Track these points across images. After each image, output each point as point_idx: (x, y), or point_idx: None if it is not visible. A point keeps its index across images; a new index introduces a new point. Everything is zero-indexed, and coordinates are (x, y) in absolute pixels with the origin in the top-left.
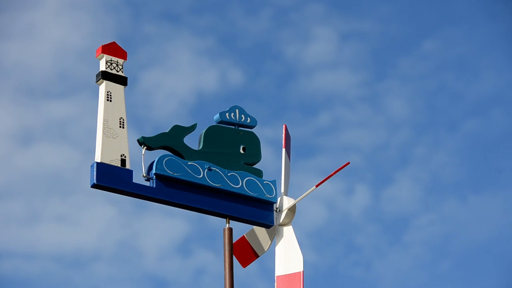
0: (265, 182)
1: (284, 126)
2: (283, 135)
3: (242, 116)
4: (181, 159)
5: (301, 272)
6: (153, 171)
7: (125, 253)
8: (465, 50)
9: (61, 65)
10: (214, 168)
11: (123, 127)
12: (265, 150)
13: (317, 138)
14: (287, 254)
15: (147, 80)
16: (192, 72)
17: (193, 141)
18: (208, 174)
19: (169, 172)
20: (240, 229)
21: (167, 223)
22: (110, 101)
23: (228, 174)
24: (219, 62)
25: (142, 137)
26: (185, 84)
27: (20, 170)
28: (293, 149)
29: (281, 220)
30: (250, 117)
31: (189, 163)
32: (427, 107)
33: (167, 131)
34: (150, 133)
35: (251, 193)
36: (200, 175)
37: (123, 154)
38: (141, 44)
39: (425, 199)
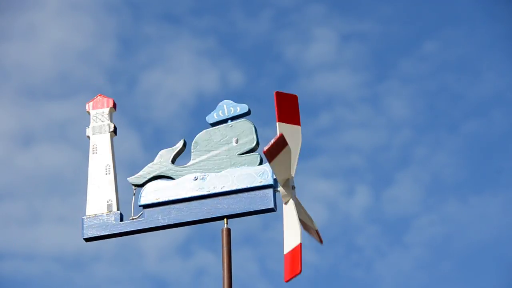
0: (259, 167)
1: (274, 93)
2: (275, 104)
3: (231, 108)
4: (167, 181)
5: (299, 245)
6: (138, 203)
7: (126, 254)
8: (465, 51)
9: (62, 66)
10: (203, 176)
11: (109, 173)
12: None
13: (318, 139)
14: (290, 231)
15: (148, 81)
16: (192, 73)
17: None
18: (196, 184)
19: (153, 200)
20: (240, 229)
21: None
22: (96, 153)
23: (218, 175)
24: (219, 63)
25: (129, 180)
26: (185, 85)
27: (20, 170)
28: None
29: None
30: (240, 105)
31: (175, 182)
32: (427, 107)
33: (153, 161)
34: (150, 133)
35: (242, 186)
36: (185, 190)
37: (110, 199)
38: (141, 45)
39: (425, 200)
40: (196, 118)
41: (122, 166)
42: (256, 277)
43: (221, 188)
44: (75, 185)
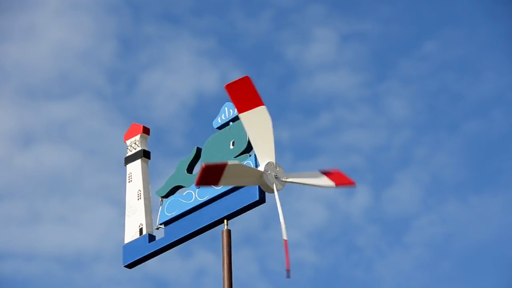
0: (245, 162)
1: (225, 87)
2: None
3: (231, 110)
4: (179, 194)
5: (285, 241)
6: (159, 222)
7: None
8: (465, 51)
9: (62, 66)
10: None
11: (140, 198)
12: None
13: (318, 139)
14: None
15: (148, 81)
16: (192, 73)
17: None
18: (199, 192)
19: (169, 215)
20: (240, 229)
21: None
22: (131, 181)
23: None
24: (219, 63)
25: (156, 192)
26: (185, 85)
27: (21, 171)
28: (294, 150)
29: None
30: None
31: (184, 193)
32: (427, 108)
33: (174, 172)
34: (150, 133)
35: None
36: (192, 199)
37: (141, 224)
38: (141, 45)
39: (425, 200)
40: (196, 118)
41: (122, 166)
42: (256, 277)
43: (216, 193)
44: (75, 185)
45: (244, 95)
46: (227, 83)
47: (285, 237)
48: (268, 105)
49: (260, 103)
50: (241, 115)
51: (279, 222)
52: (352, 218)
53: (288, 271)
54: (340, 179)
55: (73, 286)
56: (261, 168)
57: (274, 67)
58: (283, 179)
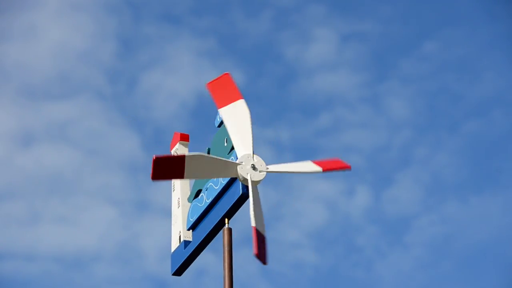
0: (230, 158)
1: (206, 86)
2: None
3: None
4: (196, 197)
5: (253, 228)
6: (186, 229)
7: (126, 254)
8: (465, 51)
9: (62, 66)
10: (208, 185)
11: (179, 207)
12: (266, 150)
13: (318, 139)
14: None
15: (148, 81)
16: (192, 73)
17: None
18: (207, 194)
19: (191, 220)
20: (240, 229)
21: (167, 224)
22: (174, 190)
23: (214, 180)
24: (219, 63)
25: (187, 199)
26: (185, 85)
27: (21, 171)
28: (294, 150)
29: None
30: None
31: (199, 196)
32: (427, 108)
33: None
34: (150, 133)
35: (224, 183)
36: (203, 202)
37: (179, 231)
38: (141, 46)
39: (425, 200)
40: (196, 118)
41: (123, 166)
42: (257, 277)
43: (215, 193)
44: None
45: (224, 91)
46: (209, 82)
47: (253, 224)
48: (268, 105)
49: (239, 97)
50: (220, 110)
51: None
52: (352, 218)
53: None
54: (332, 165)
55: (73, 286)
56: (241, 177)
57: (274, 67)
58: (263, 170)
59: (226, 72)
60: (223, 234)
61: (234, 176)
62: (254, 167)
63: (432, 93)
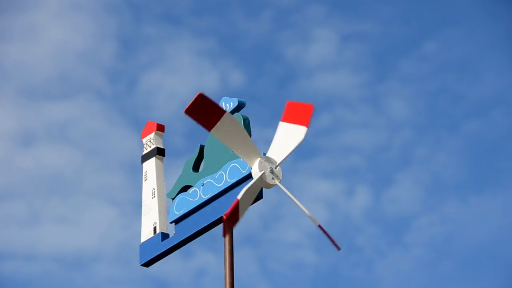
0: (238, 159)
1: (184, 112)
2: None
3: (227, 105)
4: (186, 192)
5: (319, 226)
6: (168, 221)
7: (126, 254)
8: (465, 51)
9: (62, 66)
10: (206, 181)
11: (154, 197)
12: (266, 150)
13: (318, 139)
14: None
15: (148, 81)
16: (193, 73)
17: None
18: (203, 190)
19: (177, 213)
20: (241, 229)
21: None
22: (146, 180)
23: (216, 177)
24: (220, 63)
25: (167, 194)
26: (186, 85)
27: (21, 171)
28: (294, 150)
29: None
30: (233, 100)
31: (190, 191)
32: (428, 108)
33: (181, 172)
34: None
35: (232, 181)
36: (196, 197)
37: (155, 222)
38: (142, 46)
39: (425, 200)
40: None
41: (123, 166)
42: (256, 277)
43: (217, 190)
44: (75, 185)
45: (205, 112)
46: (185, 108)
47: (318, 223)
48: (268, 105)
49: (222, 112)
50: (211, 132)
51: (303, 211)
52: (352, 218)
53: (339, 248)
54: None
55: (73, 286)
56: (255, 170)
57: (274, 67)
58: (277, 168)
59: (199, 92)
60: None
61: (264, 186)
62: (272, 171)
63: (432, 93)
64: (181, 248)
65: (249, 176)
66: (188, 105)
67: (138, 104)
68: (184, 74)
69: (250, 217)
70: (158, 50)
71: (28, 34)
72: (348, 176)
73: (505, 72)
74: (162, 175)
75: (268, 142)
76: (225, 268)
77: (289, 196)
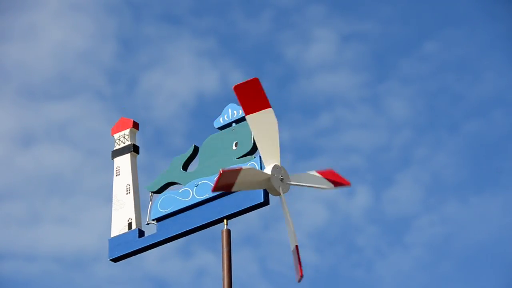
0: (249, 163)
1: (233, 88)
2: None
3: (235, 112)
4: (175, 191)
5: (296, 247)
6: (151, 218)
7: None
8: (465, 51)
9: (62, 67)
10: (202, 182)
11: (129, 193)
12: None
13: (318, 139)
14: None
15: (148, 81)
16: (193, 73)
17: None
18: (197, 190)
19: (163, 211)
20: (240, 230)
21: None
22: (119, 175)
23: (212, 177)
24: (219, 63)
25: (146, 187)
26: (186, 85)
27: (21, 171)
28: (294, 150)
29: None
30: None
31: (180, 190)
32: (428, 108)
33: (167, 168)
34: (150, 134)
35: None
36: (189, 197)
37: (130, 218)
38: (142, 46)
39: (425, 200)
40: (196, 118)
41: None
42: (256, 277)
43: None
44: (75, 185)
45: (252, 97)
46: (236, 84)
47: (295, 243)
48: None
49: (268, 106)
50: (247, 117)
51: (287, 227)
52: (352, 218)
53: (301, 277)
54: (336, 180)
55: (73, 286)
56: (267, 171)
57: (274, 67)
58: (288, 182)
59: (255, 77)
60: (222, 236)
61: (265, 187)
62: (282, 180)
63: (432, 93)
64: (181, 248)
65: None
66: (240, 82)
67: (138, 104)
68: (184, 74)
69: (250, 217)
70: (158, 50)
71: (28, 34)
72: (348, 176)
73: (505, 72)
74: (136, 172)
75: None
76: (223, 270)
77: (283, 209)
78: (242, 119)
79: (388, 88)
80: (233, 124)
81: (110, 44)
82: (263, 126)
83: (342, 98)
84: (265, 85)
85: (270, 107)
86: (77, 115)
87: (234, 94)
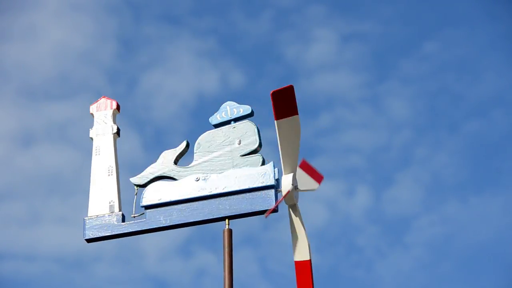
0: (260, 168)
1: (271, 93)
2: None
3: (234, 110)
4: (168, 181)
5: (309, 261)
6: (140, 204)
7: (126, 254)
8: (465, 51)
9: (62, 67)
10: (203, 177)
11: (111, 175)
12: (267, 151)
13: (318, 140)
14: (298, 240)
15: (148, 81)
16: (193, 73)
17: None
18: (198, 185)
19: (154, 201)
20: (241, 230)
21: None
22: (99, 155)
23: (220, 176)
24: (220, 63)
25: (132, 179)
26: (186, 85)
27: (21, 171)
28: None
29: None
30: (243, 107)
31: (176, 183)
32: (428, 108)
33: (156, 161)
34: (151, 134)
35: (244, 187)
36: (187, 190)
37: (112, 201)
38: (142, 46)
39: (426, 200)
40: (196, 118)
41: (123, 167)
42: (257, 277)
43: (223, 189)
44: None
45: (284, 103)
46: (274, 90)
47: (307, 258)
48: (268, 105)
49: (296, 112)
50: (277, 122)
51: (297, 238)
52: (352, 218)
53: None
54: (311, 173)
55: (73, 287)
56: (288, 179)
57: (275, 67)
58: (298, 191)
59: (290, 84)
60: (223, 235)
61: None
62: (296, 187)
63: (432, 93)
64: (181, 248)
65: (267, 187)
66: (278, 89)
67: (138, 104)
68: (184, 74)
69: (251, 218)
70: (158, 50)
71: (28, 34)
72: (348, 176)
73: (505, 72)
74: (116, 155)
75: (269, 142)
76: (224, 270)
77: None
78: (242, 118)
79: (388, 88)
80: (232, 122)
81: (110, 44)
82: (288, 131)
83: (342, 98)
84: (265, 85)
85: (297, 113)
86: (77, 115)
87: (233, 94)
